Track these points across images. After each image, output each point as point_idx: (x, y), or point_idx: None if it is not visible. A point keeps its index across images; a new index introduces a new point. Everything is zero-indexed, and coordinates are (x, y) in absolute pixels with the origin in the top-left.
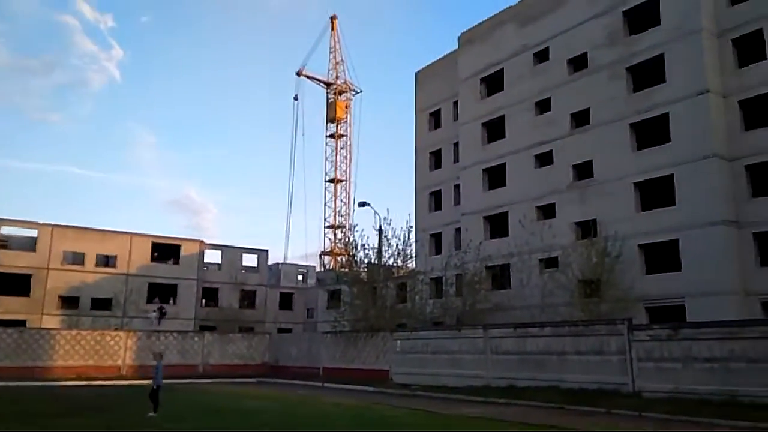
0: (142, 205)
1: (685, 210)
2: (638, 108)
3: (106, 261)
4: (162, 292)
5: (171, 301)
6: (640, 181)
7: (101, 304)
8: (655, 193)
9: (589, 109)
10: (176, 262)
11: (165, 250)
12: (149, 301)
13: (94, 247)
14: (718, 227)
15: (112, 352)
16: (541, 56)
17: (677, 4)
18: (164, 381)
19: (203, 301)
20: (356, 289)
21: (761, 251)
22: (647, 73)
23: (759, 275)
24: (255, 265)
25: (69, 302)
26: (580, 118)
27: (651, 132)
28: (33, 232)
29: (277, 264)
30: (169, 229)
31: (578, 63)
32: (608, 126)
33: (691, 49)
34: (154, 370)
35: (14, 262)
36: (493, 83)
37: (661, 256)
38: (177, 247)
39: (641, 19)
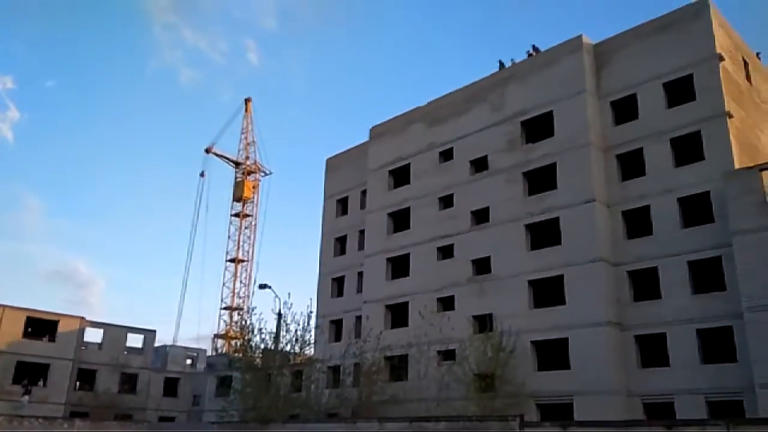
0: (18, 274)
1: (574, 310)
2: (532, 210)
3: None
4: (32, 372)
5: (41, 383)
6: (533, 279)
7: None
8: (547, 292)
9: (488, 207)
10: (51, 340)
11: (40, 326)
12: (16, 381)
13: None
14: (603, 328)
15: None
16: (446, 155)
17: (569, 120)
18: None
19: (77, 383)
20: (249, 376)
21: (642, 353)
22: (541, 179)
23: (640, 377)
24: (140, 346)
25: None
26: (480, 216)
27: (544, 234)
28: None
29: (165, 346)
30: (49, 302)
31: (479, 164)
32: (505, 225)
33: (580, 161)
34: None
35: None
36: (401, 176)
37: (552, 354)
38: (54, 323)
39: (537, 130)
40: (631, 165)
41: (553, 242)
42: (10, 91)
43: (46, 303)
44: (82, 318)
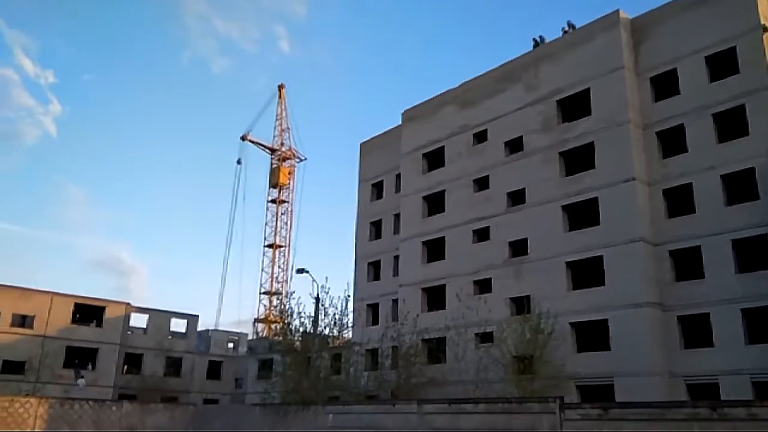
0: (66, 263)
1: (614, 291)
2: (570, 191)
3: (23, 321)
4: (81, 356)
5: (90, 367)
6: (571, 261)
7: (13, 367)
8: (586, 273)
9: (524, 189)
10: (99, 325)
11: (88, 312)
12: (66, 365)
13: (11, 305)
14: (643, 309)
15: (20, 421)
16: (480, 137)
17: (607, 97)
18: None
19: (125, 367)
20: (289, 359)
21: (685, 334)
22: (578, 159)
23: (683, 357)
24: (184, 330)
25: None
26: (516, 197)
27: (582, 214)
28: None
29: (207, 330)
30: (94, 289)
31: (514, 145)
32: (542, 206)
33: (619, 139)
34: None
35: None
36: (435, 159)
37: (592, 335)
38: (101, 309)
39: (574, 109)
40: (672, 142)
41: (592, 223)
42: (52, 85)
43: (91, 291)
44: (128, 304)
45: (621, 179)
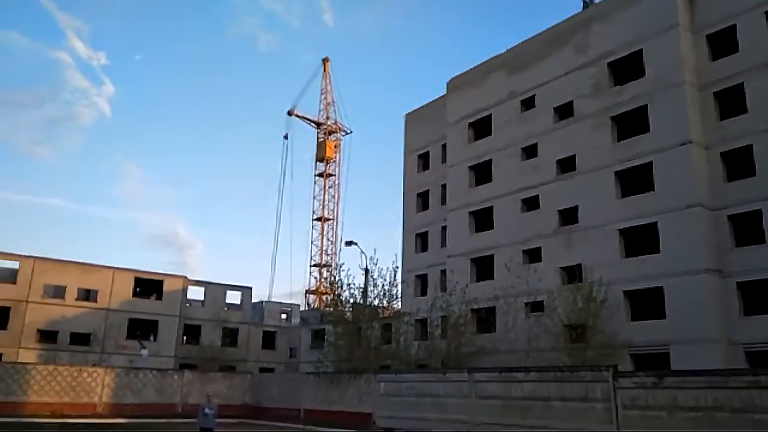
0: (125, 239)
1: (669, 258)
2: (622, 156)
3: (87, 295)
4: (143, 328)
5: (152, 338)
6: (624, 228)
7: (80, 339)
8: (640, 240)
9: (574, 156)
10: (159, 298)
11: (147, 286)
12: (129, 337)
13: (76, 280)
14: (701, 276)
15: (88, 389)
16: (528, 103)
17: (661, 58)
18: (141, 420)
19: (184, 338)
20: (340, 329)
21: (745, 300)
22: (631, 123)
23: (743, 324)
24: (238, 302)
25: (47, 336)
26: (566, 165)
27: (635, 180)
28: (14, 264)
29: (261, 302)
30: (152, 264)
31: (564, 111)
32: (593, 173)
33: (674, 101)
34: (201, 410)
35: None
36: (481, 128)
37: (646, 303)
38: (160, 283)
39: (625, 71)
40: (731, 102)
41: (646, 189)
42: (105, 66)
43: (151, 266)
44: (185, 277)
45: (677, 143)
